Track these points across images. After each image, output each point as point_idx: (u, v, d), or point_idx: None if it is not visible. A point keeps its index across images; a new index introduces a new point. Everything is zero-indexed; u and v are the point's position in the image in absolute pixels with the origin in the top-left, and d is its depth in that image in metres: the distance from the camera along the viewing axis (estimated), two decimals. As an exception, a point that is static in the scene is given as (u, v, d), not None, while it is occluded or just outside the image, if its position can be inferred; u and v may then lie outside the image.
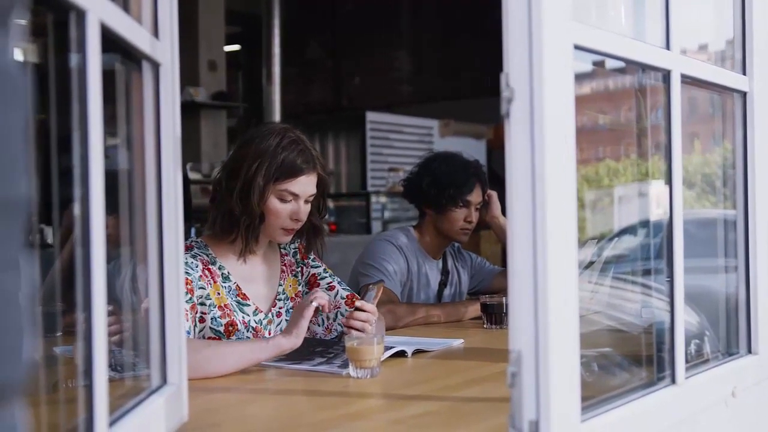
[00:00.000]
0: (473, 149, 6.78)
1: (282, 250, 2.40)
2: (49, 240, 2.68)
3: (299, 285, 2.40)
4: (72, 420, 1.06)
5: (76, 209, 0.98)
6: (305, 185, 2.20)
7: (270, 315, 2.29)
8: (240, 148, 2.23)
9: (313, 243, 2.35)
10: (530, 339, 1.17)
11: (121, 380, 1.36)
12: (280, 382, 1.85)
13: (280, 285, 2.35)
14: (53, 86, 1.05)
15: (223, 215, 2.20)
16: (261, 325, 2.26)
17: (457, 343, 2.35)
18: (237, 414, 1.65)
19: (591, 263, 1.98)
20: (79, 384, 1.04)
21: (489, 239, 6.37)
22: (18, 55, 0.63)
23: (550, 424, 1.15)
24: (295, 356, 2.03)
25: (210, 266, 2.21)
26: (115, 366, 1.28)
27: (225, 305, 2.19)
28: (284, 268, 2.38)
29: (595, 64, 1.46)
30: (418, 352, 2.19)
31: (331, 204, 7.82)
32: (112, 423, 1.07)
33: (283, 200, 2.19)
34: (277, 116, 9.05)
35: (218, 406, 1.70)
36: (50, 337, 1.96)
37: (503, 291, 2.90)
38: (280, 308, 2.34)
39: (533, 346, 1.17)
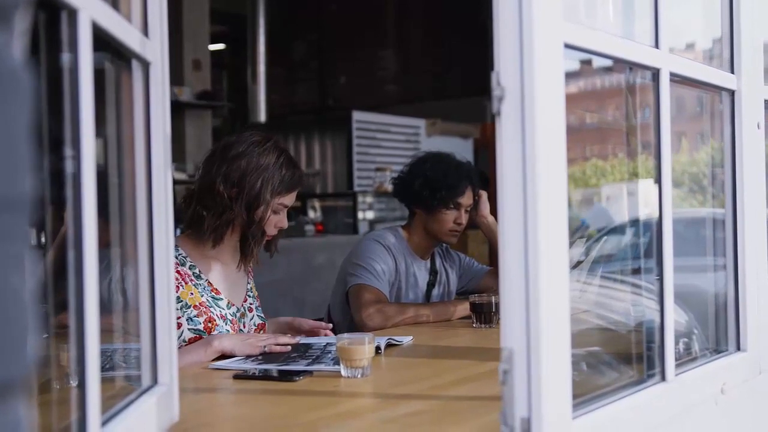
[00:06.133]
0: (460, 149, 6.78)
1: None
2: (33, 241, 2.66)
3: (255, 289, 2.50)
4: (62, 420, 1.05)
5: (68, 210, 0.97)
6: (294, 197, 2.34)
7: (242, 309, 2.36)
8: (233, 159, 2.24)
9: (274, 240, 2.38)
10: (522, 337, 1.17)
11: (111, 380, 1.35)
12: (271, 382, 1.84)
13: (249, 283, 2.44)
14: (42, 85, 1.04)
15: (226, 224, 2.24)
16: (236, 317, 2.31)
17: (407, 340, 2.35)
18: (227, 414, 1.65)
19: (579, 262, 1.99)
20: (69, 384, 1.04)
21: (476, 239, 6.38)
22: (21, 55, 0.63)
23: (541, 421, 1.16)
24: (285, 358, 2.03)
25: (180, 267, 2.23)
26: (104, 366, 1.27)
27: (200, 303, 2.23)
28: (250, 268, 2.45)
29: (581, 62, 1.46)
30: (390, 345, 2.23)
31: (317, 204, 7.82)
32: (104, 423, 1.07)
33: (276, 212, 2.28)
34: (262, 116, 9.03)
35: (208, 406, 1.69)
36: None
37: (492, 290, 2.91)
38: (251, 304, 2.41)
39: (525, 344, 1.17)
